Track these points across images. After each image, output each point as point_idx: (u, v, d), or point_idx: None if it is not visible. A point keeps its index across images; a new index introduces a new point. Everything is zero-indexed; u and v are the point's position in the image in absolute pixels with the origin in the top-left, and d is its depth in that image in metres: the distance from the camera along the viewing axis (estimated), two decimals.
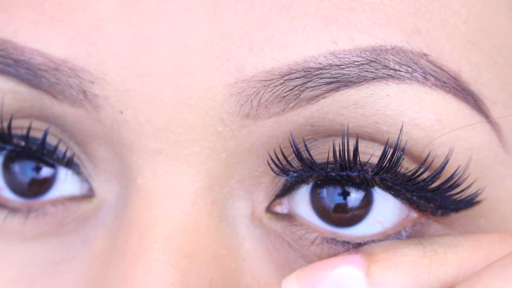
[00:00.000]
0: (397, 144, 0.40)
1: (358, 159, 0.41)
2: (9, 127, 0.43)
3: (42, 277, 0.44)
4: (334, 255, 0.42)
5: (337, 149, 0.41)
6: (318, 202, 0.42)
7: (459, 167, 0.41)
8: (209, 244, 0.41)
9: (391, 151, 0.40)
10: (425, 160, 0.41)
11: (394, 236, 0.42)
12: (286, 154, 0.41)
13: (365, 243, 0.42)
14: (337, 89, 0.40)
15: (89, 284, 0.42)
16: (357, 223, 0.42)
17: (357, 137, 0.40)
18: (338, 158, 0.41)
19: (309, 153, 0.41)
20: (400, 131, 0.40)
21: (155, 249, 0.40)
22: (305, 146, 0.41)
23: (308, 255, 0.42)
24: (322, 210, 0.42)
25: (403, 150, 0.40)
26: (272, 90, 0.39)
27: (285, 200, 0.43)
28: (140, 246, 0.40)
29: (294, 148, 0.41)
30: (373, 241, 0.42)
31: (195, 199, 0.41)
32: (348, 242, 0.42)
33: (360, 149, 0.41)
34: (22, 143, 0.44)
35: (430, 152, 0.41)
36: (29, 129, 0.43)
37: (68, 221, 0.44)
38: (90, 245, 0.43)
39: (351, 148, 0.40)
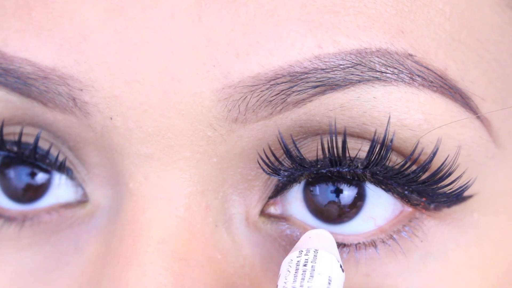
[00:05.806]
0: (385, 136, 0.40)
1: (347, 153, 0.41)
2: (1, 133, 0.43)
3: (34, 286, 0.44)
4: None
5: (325, 145, 0.41)
6: (311, 200, 0.43)
7: (448, 157, 0.41)
8: (204, 248, 0.41)
9: (379, 145, 0.40)
10: (414, 150, 0.41)
11: (394, 235, 0.42)
12: (276, 155, 0.41)
13: (360, 243, 0.42)
14: (323, 92, 0.40)
15: None
16: (350, 219, 0.43)
17: (345, 131, 0.40)
18: (327, 154, 0.41)
19: (299, 151, 0.41)
20: (388, 122, 0.40)
21: (148, 252, 0.40)
22: (294, 144, 0.41)
23: None
24: (315, 208, 0.43)
25: (391, 141, 0.40)
26: (258, 95, 0.39)
27: (278, 200, 0.43)
28: (134, 249, 0.40)
29: (283, 146, 0.41)
30: (369, 242, 0.42)
31: (188, 203, 0.41)
32: (345, 245, 0.42)
33: (348, 145, 0.41)
34: (15, 149, 0.44)
35: (418, 142, 0.41)
36: (20, 134, 0.43)
37: (62, 228, 0.44)
38: (83, 250, 0.43)
39: (340, 145, 0.40)
